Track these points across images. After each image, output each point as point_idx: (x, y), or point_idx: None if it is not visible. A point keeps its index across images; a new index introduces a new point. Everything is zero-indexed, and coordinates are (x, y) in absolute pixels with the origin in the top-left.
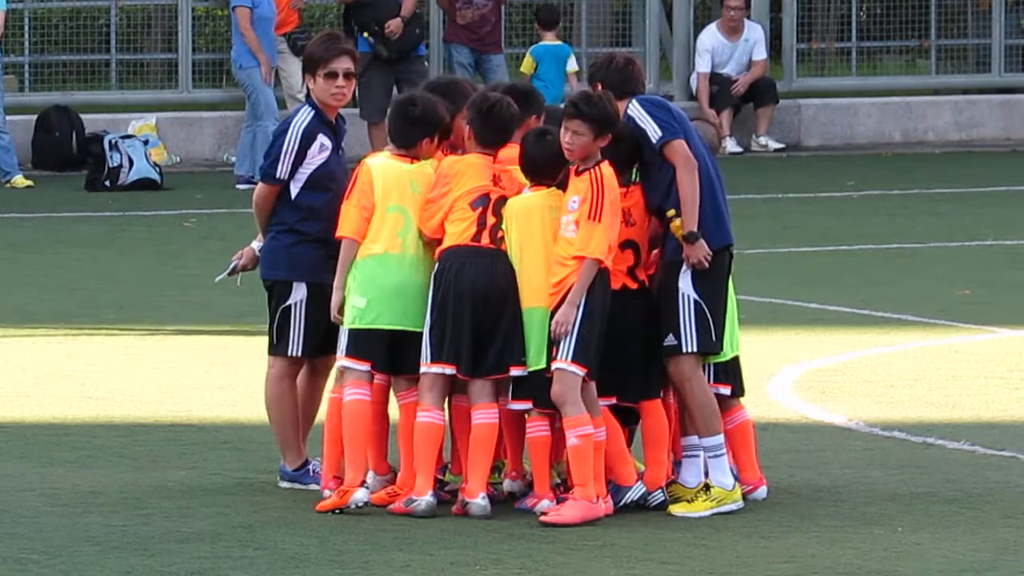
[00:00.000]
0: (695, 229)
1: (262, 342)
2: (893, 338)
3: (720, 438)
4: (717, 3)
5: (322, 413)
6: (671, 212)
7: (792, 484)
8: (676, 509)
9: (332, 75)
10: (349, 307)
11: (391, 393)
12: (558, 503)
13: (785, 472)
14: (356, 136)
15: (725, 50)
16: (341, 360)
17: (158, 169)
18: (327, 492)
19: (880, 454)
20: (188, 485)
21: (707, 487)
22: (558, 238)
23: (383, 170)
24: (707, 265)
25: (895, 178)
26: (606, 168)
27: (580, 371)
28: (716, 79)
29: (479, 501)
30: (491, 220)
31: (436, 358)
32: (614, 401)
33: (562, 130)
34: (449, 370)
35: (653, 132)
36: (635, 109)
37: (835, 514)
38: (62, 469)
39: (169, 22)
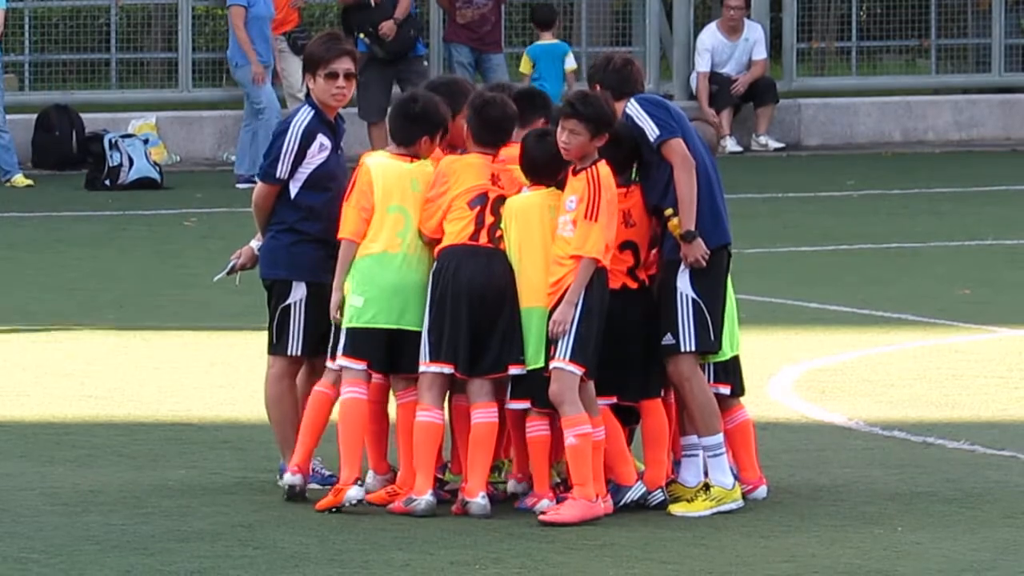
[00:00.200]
0: (692, 228)
1: (262, 341)
2: (893, 337)
3: (719, 437)
4: (717, 2)
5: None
6: (669, 211)
7: (792, 483)
8: (676, 508)
9: (332, 75)
10: (347, 306)
11: (391, 392)
12: (558, 502)
13: (785, 471)
14: (356, 136)
15: (725, 49)
16: (338, 359)
17: (158, 168)
18: (288, 476)
19: (880, 453)
20: (188, 484)
21: (707, 486)
22: (556, 237)
23: (383, 170)
24: (704, 264)
25: (895, 177)
26: (603, 167)
27: (578, 370)
28: (716, 78)
29: (479, 500)
30: (489, 219)
31: (434, 357)
32: (614, 400)
33: (558, 129)
34: (447, 369)
35: (651, 131)
36: (633, 108)
37: (835, 513)
38: (62, 468)
39: (169, 21)
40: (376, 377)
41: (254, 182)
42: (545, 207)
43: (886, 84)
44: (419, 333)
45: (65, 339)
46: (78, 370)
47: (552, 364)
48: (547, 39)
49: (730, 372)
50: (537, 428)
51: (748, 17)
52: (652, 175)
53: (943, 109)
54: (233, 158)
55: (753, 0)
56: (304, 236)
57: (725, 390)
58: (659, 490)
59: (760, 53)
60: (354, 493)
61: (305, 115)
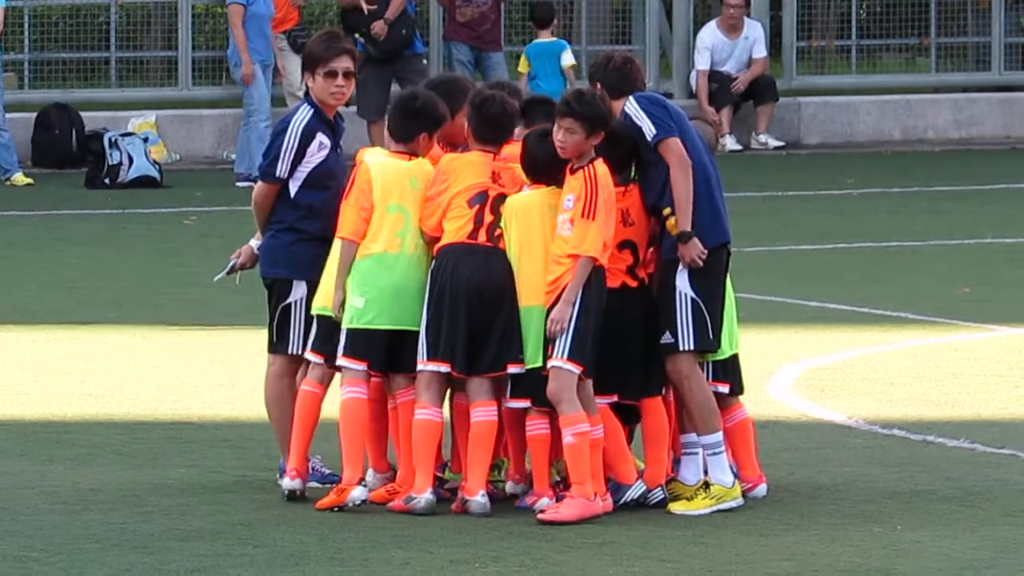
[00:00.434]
0: (688, 228)
1: (262, 340)
2: (893, 336)
3: (719, 436)
4: (717, 1)
5: (323, 412)
6: (667, 210)
7: (792, 482)
8: (675, 507)
9: (332, 74)
10: (348, 306)
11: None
12: (557, 501)
13: (785, 470)
14: (355, 134)
15: (725, 48)
16: (339, 359)
17: (158, 167)
18: (286, 481)
19: (880, 452)
20: (188, 483)
21: (706, 485)
22: (554, 236)
23: (381, 168)
24: (701, 264)
25: (895, 176)
26: (600, 166)
27: (576, 369)
28: (716, 77)
29: (479, 499)
30: (488, 218)
31: (432, 356)
32: (614, 399)
33: (555, 128)
34: (444, 368)
35: (648, 129)
36: (631, 106)
37: (835, 512)
38: (62, 467)
39: (169, 20)
40: (374, 376)
41: (254, 181)
42: (545, 206)
43: (886, 83)
44: (419, 333)
45: (65, 337)
46: (78, 368)
47: (550, 363)
48: (545, 37)
49: (729, 371)
50: (537, 427)
51: (748, 15)
52: (650, 174)
53: (943, 107)
54: (233, 157)
55: None
56: (304, 235)
57: (724, 388)
58: (659, 488)
59: (760, 51)
60: (358, 494)
61: (304, 114)
